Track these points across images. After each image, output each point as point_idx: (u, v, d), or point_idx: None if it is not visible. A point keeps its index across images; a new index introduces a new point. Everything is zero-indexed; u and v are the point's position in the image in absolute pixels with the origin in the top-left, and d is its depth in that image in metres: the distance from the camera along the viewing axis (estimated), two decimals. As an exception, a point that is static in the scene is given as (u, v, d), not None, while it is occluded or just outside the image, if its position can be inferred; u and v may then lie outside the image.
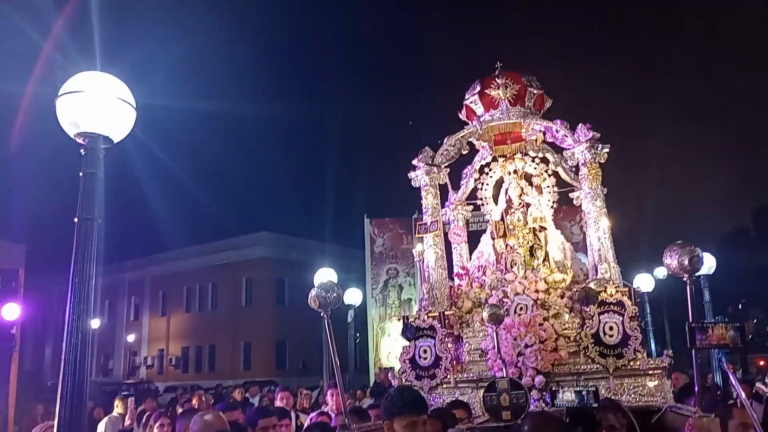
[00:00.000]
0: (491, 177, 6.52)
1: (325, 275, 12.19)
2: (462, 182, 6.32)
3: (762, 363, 24.21)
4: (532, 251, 5.97)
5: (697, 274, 11.30)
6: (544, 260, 5.90)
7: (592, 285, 5.20)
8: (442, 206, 6.25)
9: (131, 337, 40.27)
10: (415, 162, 6.01)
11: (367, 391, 12.13)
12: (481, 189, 6.52)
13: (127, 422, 7.62)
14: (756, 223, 30.04)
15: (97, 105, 3.72)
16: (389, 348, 16.10)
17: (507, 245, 6.09)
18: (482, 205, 6.48)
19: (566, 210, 6.80)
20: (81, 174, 3.69)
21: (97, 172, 3.72)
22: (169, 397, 17.82)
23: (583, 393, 3.91)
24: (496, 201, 6.48)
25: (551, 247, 6.02)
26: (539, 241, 6.08)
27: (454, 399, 5.07)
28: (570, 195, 6.61)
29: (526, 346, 4.80)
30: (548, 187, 6.26)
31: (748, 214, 31.33)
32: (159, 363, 39.24)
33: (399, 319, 5.74)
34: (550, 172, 6.34)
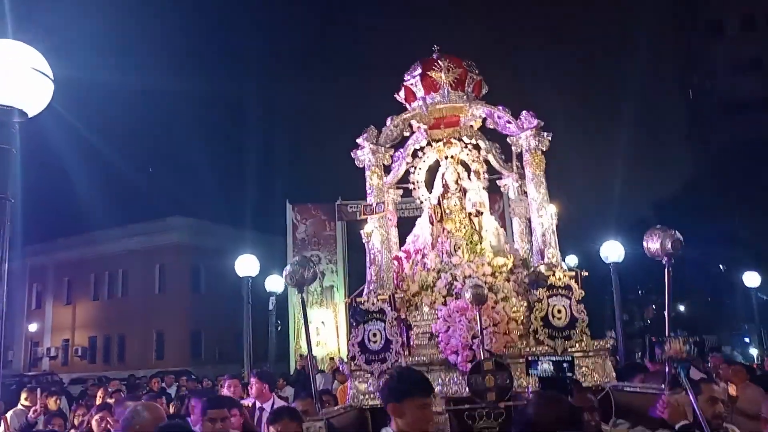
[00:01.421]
0: (424, 161, 6.52)
1: (246, 262, 11.96)
2: (393, 165, 6.25)
3: (678, 332, 25.93)
4: (467, 236, 6.04)
5: (610, 261, 11.88)
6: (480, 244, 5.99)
7: (542, 269, 5.33)
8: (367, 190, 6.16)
9: (33, 327, 38.01)
10: (359, 140, 5.84)
11: (287, 380, 12.01)
12: (414, 173, 6.51)
13: (31, 415, 7.25)
14: (656, 214, 32.06)
15: (11, 75, 3.45)
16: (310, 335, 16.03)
17: (444, 229, 6.13)
18: (414, 189, 6.49)
19: (490, 198, 6.97)
20: (-9, 148, 3.41)
21: (9, 148, 3.46)
22: (76, 389, 16.99)
23: (563, 363, 3.98)
24: (427, 186, 6.51)
25: (486, 232, 6.12)
26: (475, 226, 6.16)
27: None
28: (498, 182, 6.75)
29: (482, 329, 4.86)
30: (480, 173, 6.35)
31: (650, 207, 33.45)
32: (63, 354, 37.29)
33: (346, 303, 5.67)
34: (481, 158, 6.42)
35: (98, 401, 7.75)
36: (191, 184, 61.73)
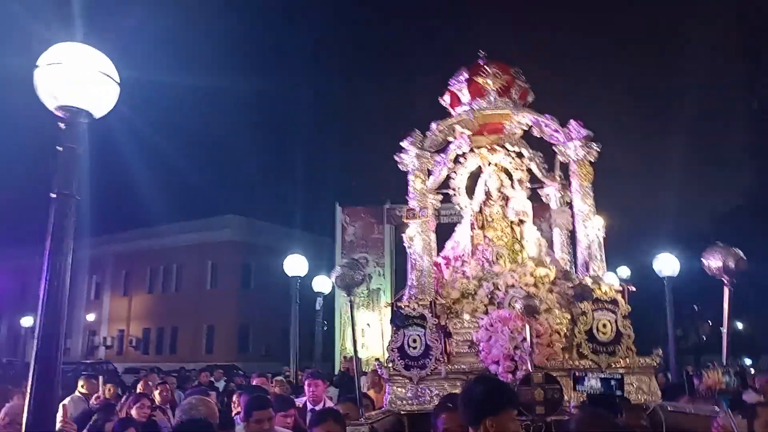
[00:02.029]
0: (465, 167, 6.47)
1: (295, 262, 12.18)
2: (434, 170, 6.17)
3: (715, 364, 24.96)
4: (508, 245, 5.98)
5: (664, 275, 11.47)
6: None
7: (587, 282, 5.24)
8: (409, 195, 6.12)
9: (91, 317, 39.54)
10: (404, 144, 5.78)
11: (330, 381, 12.11)
12: (454, 178, 6.46)
13: (93, 402, 7.53)
14: (715, 227, 30.90)
15: (79, 78, 3.62)
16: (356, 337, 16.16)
17: (485, 237, 6.09)
18: (453, 195, 6.44)
19: (535, 207, 6.84)
20: (60, 148, 3.60)
21: (76, 147, 3.64)
22: (129, 378, 17.60)
23: (611, 381, 3.89)
24: (468, 192, 6.46)
25: (527, 241, 6.04)
26: (516, 235, 6.09)
27: (449, 392, 4.98)
28: (539, 192, 6.64)
29: (523, 340, 4.79)
30: (524, 181, 6.28)
31: (707, 220, 32.23)
32: (119, 344, 38.65)
33: (387, 306, 5.62)
34: (524, 167, 6.35)
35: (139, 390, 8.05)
36: (245, 183, 63.08)
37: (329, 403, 5.84)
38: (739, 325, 29.54)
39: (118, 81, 3.85)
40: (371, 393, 8.07)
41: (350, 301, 5.25)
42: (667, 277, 11.17)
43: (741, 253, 4.31)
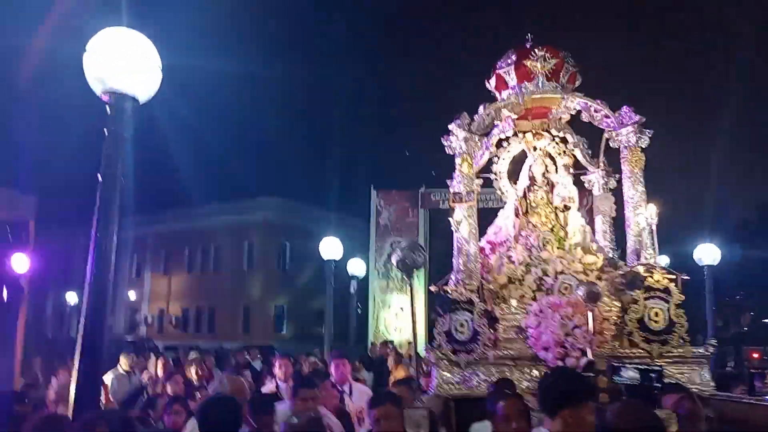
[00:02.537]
0: (508, 152, 6.39)
1: (330, 245, 12.28)
2: (476, 154, 6.12)
3: (756, 355, 24.34)
4: (553, 231, 5.92)
5: (704, 264, 11.23)
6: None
7: (639, 269, 5.15)
8: (451, 178, 6.07)
9: (132, 295, 40.63)
10: (451, 127, 5.70)
11: (364, 363, 12.17)
12: (497, 163, 6.39)
13: (146, 380, 7.65)
14: (759, 216, 29.95)
15: (125, 63, 3.71)
16: (389, 320, 16.28)
17: (529, 222, 6.04)
18: (495, 180, 6.38)
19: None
20: (106, 131, 3.71)
21: (122, 131, 3.74)
22: (169, 355, 18.06)
23: (651, 373, 3.81)
24: (510, 177, 6.39)
25: (571, 228, 5.98)
26: (561, 221, 6.03)
27: (497, 377, 4.97)
28: (582, 178, 6.54)
29: (575, 327, 4.75)
30: (569, 167, 6.20)
31: (752, 207, 31.25)
32: (159, 322, 39.66)
33: (435, 290, 5.56)
34: (569, 152, 6.25)
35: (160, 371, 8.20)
36: (281, 165, 63.63)
37: (356, 385, 5.76)
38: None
39: (162, 67, 3.93)
40: (399, 373, 8.04)
41: (410, 285, 5.12)
42: (707, 266, 10.96)
43: None
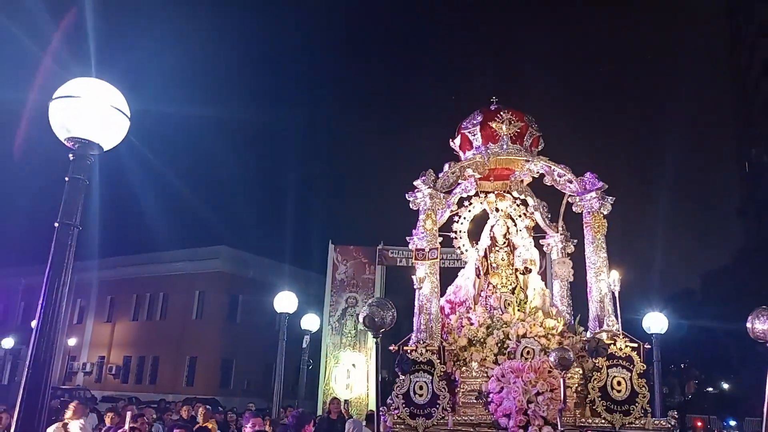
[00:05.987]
0: (470, 211, 6.44)
1: (285, 298, 12.11)
2: (438, 212, 6.13)
3: (699, 424, 24.76)
4: (514, 293, 5.90)
5: (653, 332, 11.46)
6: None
7: (603, 336, 5.11)
8: (410, 235, 6.05)
9: (72, 341, 38.81)
10: (417, 183, 5.69)
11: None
12: (458, 221, 6.40)
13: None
14: (703, 286, 31.00)
15: (91, 111, 3.71)
16: (340, 377, 16.00)
17: (489, 283, 6.03)
18: (455, 238, 6.39)
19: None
20: (66, 179, 3.67)
21: (83, 179, 3.70)
22: (106, 408, 17.21)
23: None
24: (470, 237, 6.42)
25: (531, 291, 5.99)
26: (521, 283, 6.02)
27: None
28: (540, 242, 6.62)
29: (538, 394, 4.63)
30: (530, 229, 6.25)
31: (696, 277, 32.41)
32: (98, 370, 37.86)
33: (394, 350, 5.35)
34: (529, 215, 6.33)
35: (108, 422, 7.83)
36: (236, 216, 63.03)
37: None
38: (725, 386, 29.40)
39: (128, 115, 3.94)
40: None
41: (376, 344, 4.93)
42: (655, 334, 11.20)
43: None
